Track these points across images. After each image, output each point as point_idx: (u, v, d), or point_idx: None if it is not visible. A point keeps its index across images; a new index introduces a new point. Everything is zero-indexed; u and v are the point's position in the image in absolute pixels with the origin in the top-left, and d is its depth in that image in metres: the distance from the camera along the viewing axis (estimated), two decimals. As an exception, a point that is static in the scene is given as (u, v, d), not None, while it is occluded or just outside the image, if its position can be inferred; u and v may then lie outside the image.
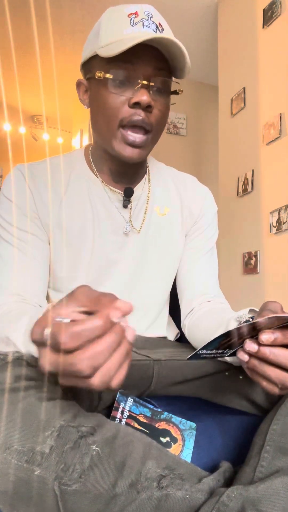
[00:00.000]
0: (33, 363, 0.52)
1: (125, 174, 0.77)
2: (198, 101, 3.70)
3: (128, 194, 0.76)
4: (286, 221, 1.97)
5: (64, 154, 0.81)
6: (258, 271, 2.18)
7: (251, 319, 0.61)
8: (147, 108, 0.66)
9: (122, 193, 0.78)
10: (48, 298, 0.80)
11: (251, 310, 0.65)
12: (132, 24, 0.64)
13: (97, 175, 0.78)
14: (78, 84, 0.74)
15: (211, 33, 3.05)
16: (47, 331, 0.36)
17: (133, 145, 0.67)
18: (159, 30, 0.66)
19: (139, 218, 0.80)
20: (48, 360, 0.36)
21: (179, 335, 0.94)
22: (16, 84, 3.90)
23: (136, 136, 0.67)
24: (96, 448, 0.42)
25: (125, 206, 0.78)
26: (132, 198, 0.78)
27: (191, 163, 3.68)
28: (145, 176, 0.83)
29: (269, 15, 2.17)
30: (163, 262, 0.83)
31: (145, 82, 0.65)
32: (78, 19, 3.01)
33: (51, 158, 0.79)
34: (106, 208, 0.78)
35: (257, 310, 0.65)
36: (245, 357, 0.46)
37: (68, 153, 0.82)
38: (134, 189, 0.79)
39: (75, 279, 0.77)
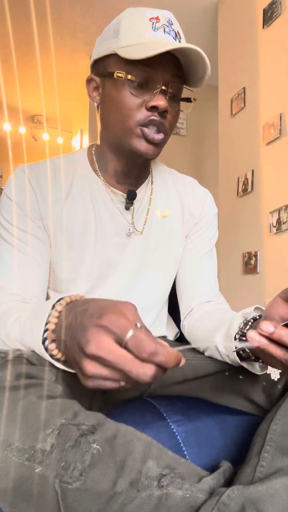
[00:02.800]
0: (33, 361, 0.52)
1: (130, 175, 0.77)
2: (198, 101, 3.70)
3: (131, 197, 0.77)
4: (286, 221, 1.98)
5: (66, 155, 0.81)
6: (258, 271, 2.18)
7: (258, 317, 0.61)
8: (163, 113, 0.67)
9: (125, 195, 0.78)
10: (48, 299, 0.80)
11: (256, 308, 0.65)
12: (154, 28, 0.65)
13: (100, 176, 0.78)
14: (89, 80, 0.74)
15: (211, 33, 3.05)
16: (130, 333, 0.40)
17: (152, 142, 0.68)
18: (178, 38, 0.68)
19: (140, 220, 0.80)
20: (116, 359, 0.40)
21: (178, 335, 0.94)
22: (16, 84, 3.91)
23: (154, 133, 0.68)
24: (97, 447, 0.42)
25: (127, 208, 0.78)
26: (134, 200, 0.78)
27: (191, 163, 3.69)
28: (148, 178, 0.83)
29: (269, 15, 2.17)
30: (164, 264, 0.84)
31: (164, 87, 0.66)
32: (78, 19, 3.01)
33: (54, 159, 0.79)
34: (108, 210, 0.78)
35: (263, 308, 0.64)
36: (256, 339, 0.45)
37: (70, 154, 0.82)
38: (137, 191, 0.79)
39: (76, 280, 0.77)
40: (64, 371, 0.53)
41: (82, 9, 2.91)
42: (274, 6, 2.14)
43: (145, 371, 0.40)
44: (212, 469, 0.49)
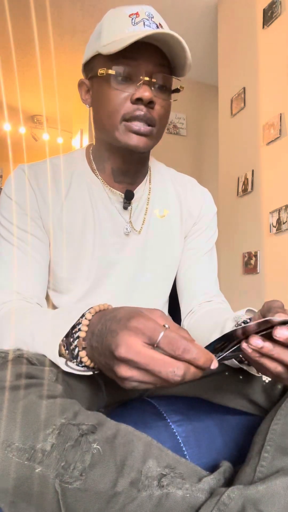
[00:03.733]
0: (34, 361, 0.52)
1: (127, 173, 0.77)
2: (198, 101, 3.70)
3: (128, 197, 0.76)
4: (286, 221, 1.98)
5: (65, 154, 0.81)
6: (258, 271, 2.18)
7: (248, 320, 0.61)
8: (149, 104, 0.67)
9: (123, 194, 0.78)
10: (48, 299, 0.80)
11: (248, 311, 0.65)
12: (133, 23, 0.66)
13: (98, 176, 0.78)
14: (80, 84, 0.75)
15: (211, 33, 3.05)
16: (162, 334, 0.41)
17: (138, 133, 0.68)
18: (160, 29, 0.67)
19: (139, 219, 0.80)
20: (145, 357, 0.41)
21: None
22: (16, 84, 3.90)
23: (140, 126, 0.67)
24: (97, 447, 0.42)
25: (125, 208, 0.78)
26: (132, 200, 0.78)
27: (191, 163, 3.68)
28: (146, 178, 0.83)
29: (269, 15, 2.17)
30: (163, 263, 0.84)
31: (147, 78, 0.66)
32: (78, 19, 3.01)
33: (53, 158, 0.79)
34: (106, 209, 0.78)
35: (255, 310, 0.65)
36: (249, 350, 0.47)
37: (69, 153, 0.82)
38: (135, 191, 0.79)
39: (75, 280, 0.77)
40: (64, 371, 0.53)
41: (82, 9, 2.91)
42: (274, 6, 2.13)
43: (174, 371, 0.41)
44: (212, 469, 0.49)
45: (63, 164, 0.78)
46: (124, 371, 0.42)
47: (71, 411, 0.44)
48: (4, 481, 0.40)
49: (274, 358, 0.47)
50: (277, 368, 0.47)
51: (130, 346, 0.41)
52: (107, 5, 2.85)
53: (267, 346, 0.46)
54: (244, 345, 0.47)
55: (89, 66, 0.72)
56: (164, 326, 0.43)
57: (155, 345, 0.42)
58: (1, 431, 0.40)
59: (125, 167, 0.76)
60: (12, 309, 0.65)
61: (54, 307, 0.80)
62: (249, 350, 0.46)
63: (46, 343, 0.53)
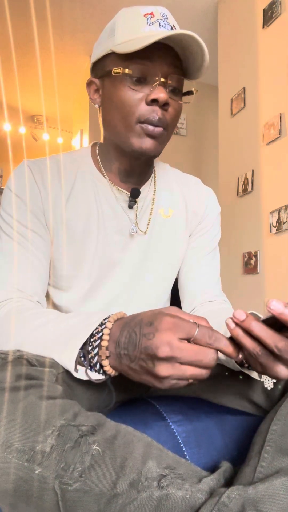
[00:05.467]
0: (33, 362, 0.52)
1: (134, 173, 0.77)
2: (198, 101, 3.70)
3: (134, 195, 0.76)
4: (286, 221, 1.98)
5: (69, 152, 0.81)
6: (258, 271, 2.18)
7: None
8: (164, 105, 0.66)
9: (129, 193, 0.77)
10: (48, 296, 0.80)
11: (251, 314, 0.64)
12: (149, 23, 0.65)
13: (104, 175, 0.78)
14: (89, 83, 0.74)
15: (211, 33, 3.05)
16: (197, 329, 0.46)
17: (152, 135, 0.67)
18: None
19: (144, 219, 0.80)
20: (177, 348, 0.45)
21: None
22: (16, 84, 3.90)
23: (154, 128, 0.67)
24: (97, 448, 0.42)
25: (130, 207, 0.77)
26: (137, 199, 0.78)
27: (191, 163, 3.68)
28: (151, 178, 0.83)
29: (269, 15, 2.17)
30: (166, 263, 0.83)
31: (162, 79, 0.65)
32: (78, 19, 3.01)
33: (57, 155, 0.78)
34: (112, 208, 0.77)
35: (257, 313, 0.64)
36: (232, 325, 0.48)
37: (74, 151, 0.82)
38: (140, 190, 0.79)
39: (77, 278, 0.77)
40: (64, 372, 0.53)
41: (82, 9, 2.91)
42: (274, 6, 2.13)
43: (212, 356, 0.46)
44: (212, 469, 0.49)
45: (67, 162, 0.78)
46: (166, 369, 0.45)
47: (70, 412, 0.44)
48: (4, 482, 0.40)
49: (254, 337, 0.47)
50: (256, 348, 0.47)
51: (171, 344, 0.45)
52: (107, 6, 2.85)
53: (248, 320, 0.46)
54: (228, 320, 0.48)
55: (100, 65, 0.71)
56: (194, 322, 0.47)
57: (191, 340, 0.46)
58: (1, 432, 0.40)
59: (132, 169, 0.76)
60: (13, 309, 0.65)
61: (54, 305, 0.80)
62: (232, 326, 0.48)
63: (61, 352, 0.53)
